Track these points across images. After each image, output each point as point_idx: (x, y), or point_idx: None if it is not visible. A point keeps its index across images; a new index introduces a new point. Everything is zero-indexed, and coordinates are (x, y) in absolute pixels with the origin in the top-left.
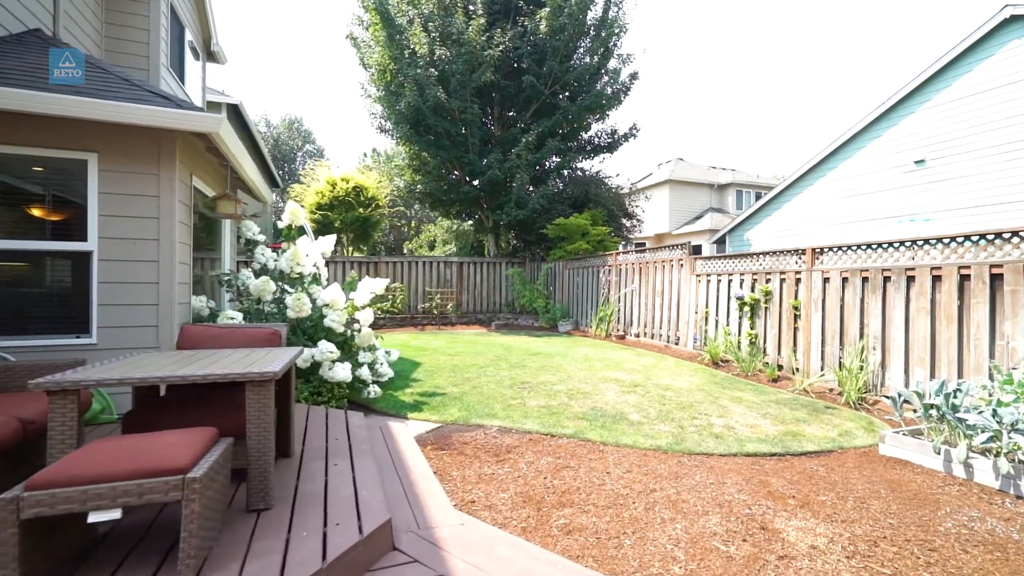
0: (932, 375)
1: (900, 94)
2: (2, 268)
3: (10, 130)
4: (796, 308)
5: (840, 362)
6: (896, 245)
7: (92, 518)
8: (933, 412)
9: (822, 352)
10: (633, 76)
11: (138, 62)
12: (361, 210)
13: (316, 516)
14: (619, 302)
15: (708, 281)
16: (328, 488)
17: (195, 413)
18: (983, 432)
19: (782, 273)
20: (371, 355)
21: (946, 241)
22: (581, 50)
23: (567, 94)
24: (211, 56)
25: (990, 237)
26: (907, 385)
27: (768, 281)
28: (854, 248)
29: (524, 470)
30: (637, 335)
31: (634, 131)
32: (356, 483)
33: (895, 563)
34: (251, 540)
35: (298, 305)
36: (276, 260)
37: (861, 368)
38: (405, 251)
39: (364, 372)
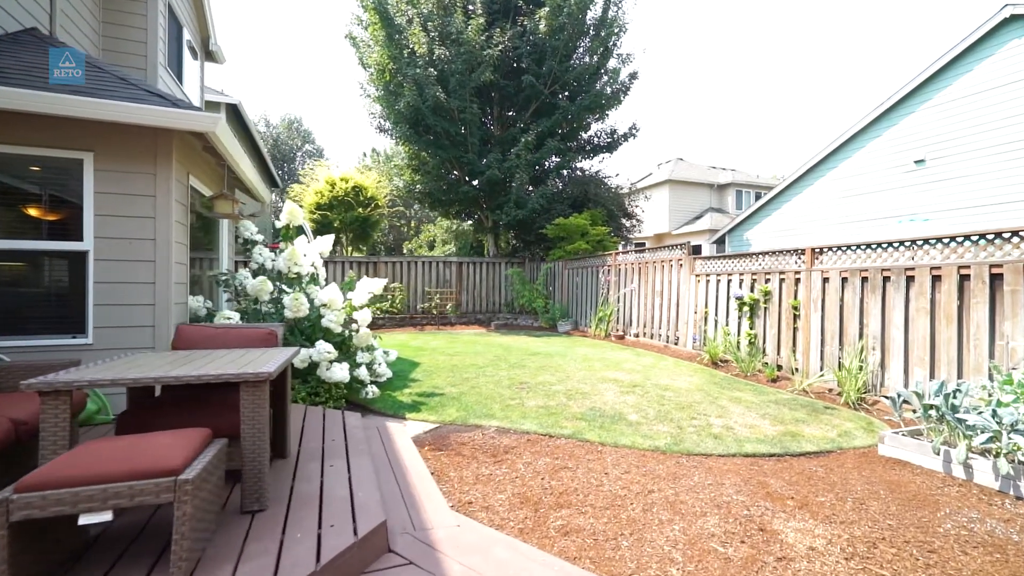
0: (932, 375)
1: (900, 94)
2: None
3: (5, 129)
4: (795, 308)
5: (839, 362)
6: (896, 245)
7: (83, 520)
8: (932, 412)
9: (821, 352)
10: (633, 76)
11: (136, 61)
12: (360, 210)
13: (311, 517)
14: (618, 302)
15: (707, 281)
16: (324, 489)
17: (190, 414)
18: (983, 433)
19: (781, 273)
20: (369, 355)
21: (946, 241)
22: (580, 50)
23: (566, 94)
24: (209, 56)
25: (990, 237)
26: (906, 385)
27: (767, 281)
28: (853, 248)
29: (522, 471)
30: (636, 335)
31: (634, 131)
32: (352, 484)
33: (894, 565)
34: (245, 542)
35: (295, 305)
36: (274, 260)
37: (860, 368)
38: (405, 251)
39: (362, 372)
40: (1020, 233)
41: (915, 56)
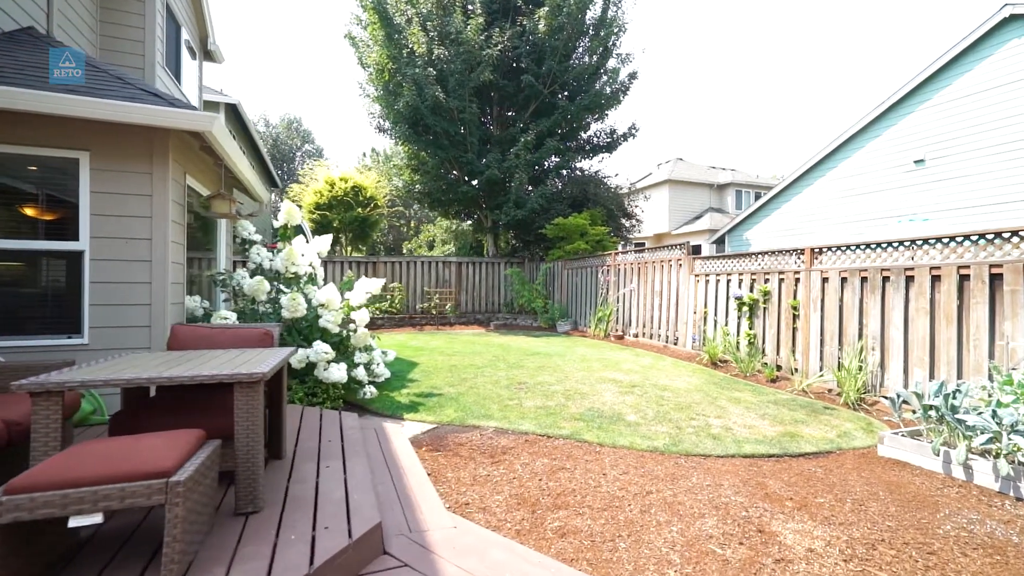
0: (931, 376)
1: (900, 93)
2: None
3: (1, 128)
4: (795, 308)
5: (839, 362)
6: (895, 245)
7: (72, 522)
8: (932, 413)
9: (821, 352)
10: (632, 76)
11: (133, 61)
12: (360, 210)
13: (305, 519)
14: (618, 302)
15: (707, 281)
16: (319, 490)
17: (184, 414)
18: (982, 433)
19: (781, 273)
20: (367, 355)
21: (945, 241)
22: (580, 50)
23: (566, 94)
24: (208, 55)
25: (989, 237)
26: (906, 386)
27: (767, 281)
28: (853, 248)
29: (519, 472)
30: (636, 335)
31: (633, 131)
32: (348, 485)
33: (893, 566)
34: (238, 544)
35: (293, 305)
36: (272, 260)
37: (860, 368)
38: (404, 251)
39: (360, 373)
40: (1020, 233)
41: (915, 56)
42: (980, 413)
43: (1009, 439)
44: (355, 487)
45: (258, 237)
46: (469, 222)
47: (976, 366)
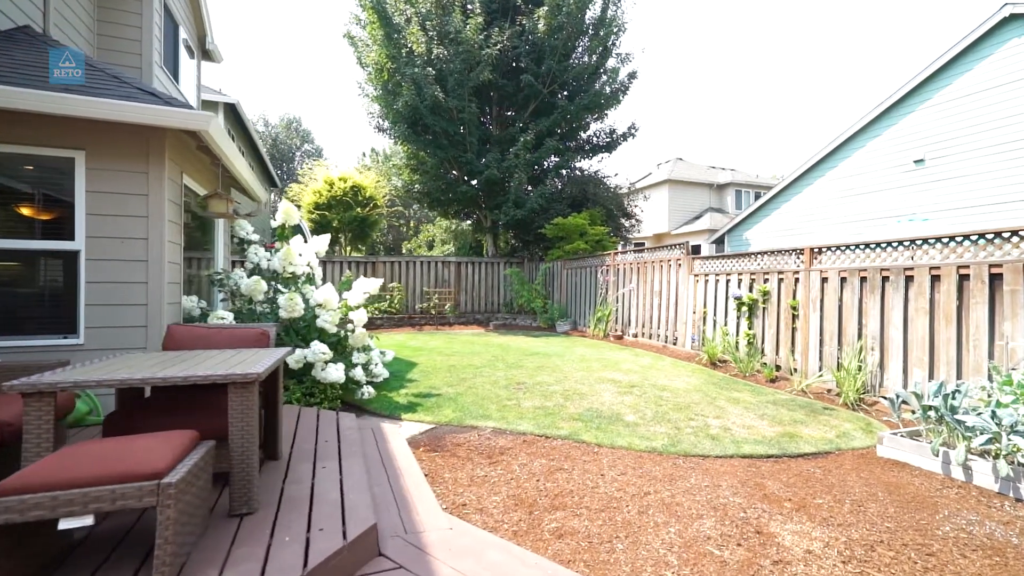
0: (931, 376)
1: (899, 93)
2: None
3: None
4: (794, 308)
5: (838, 362)
6: (895, 245)
7: (63, 525)
8: (931, 413)
9: (820, 352)
10: (632, 75)
11: (131, 60)
12: (359, 210)
13: (300, 521)
14: (617, 302)
15: (706, 281)
16: (314, 492)
17: (179, 415)
18: (982, 434)
19: (780, 273)
20: (365, 356)
21: (945, 241)
22: (580, 49)
23: (565, 93)
24: (206, 54)
25: (989, 236)
26: (906, 386)
27: (766, 281)
28: (852, 248)
29: (517, 472)
30: (635, 335)
31: (633, 131)
32: (343, 486)
33: (892, 568)
34: (232, 546)
35: (290, 305)
36: (269, 260)
37: (859, 368)
38: (404, 251)
39: (358, 373)
40: (1019, 233)
41: (915, 56)
42: (979, 413)
43: (1009, 440)
44: (351, 488)
45: (256, 237)
46: (468, 222)
47: (976, 366)
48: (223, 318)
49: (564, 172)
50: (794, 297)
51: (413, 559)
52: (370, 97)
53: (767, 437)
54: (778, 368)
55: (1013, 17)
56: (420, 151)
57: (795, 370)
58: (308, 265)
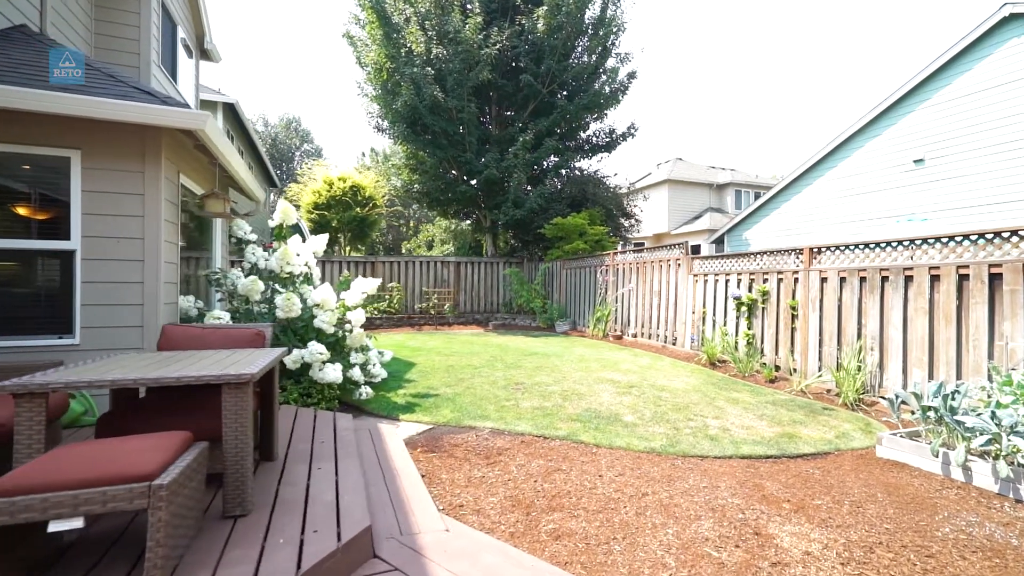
0: (930, 376)
1: (899, 93)
2: None
3: None
4: (794, 308)
5: (838, 363)
6: (894, 245)
7: (52, 527)
8: (931, 414)
9: (820, 352)
10: (631, 75)
11: (128, 59)
12: (358, 210)
13: (295, 522)
14: (616, 302)
15: (706, 281)
16: (310, 493)
17: (173, 416)
18: (982, 434)
19: (780, 273)
20: (363, 356)
21: (944, 240)
22: (579, 49)
23: (565, 93)
24: (205, 54)
25: (989, 236)
26: (905, 386)
27: (765, 281)
28: (852, 248)
29: (515, 473)
30: (634, 335)
31: (632, 130)
32: (339, 488)
33: (891, 570)
34: (225, 548)
35: (287, 305)
36: (267, 260)
37: (859, 369)
38: (403, 251)
39: (355, 373)
40: (1019, 233)
41: (915, 56)
42: (979, 414)
43: (1008, 440)
44: (347, 489)
45: (254, 236)
46: (468, 222)
47: (975, 366)
48: (220, 318)
49: (563, 172)
50: (793, 297)
51: (408, 561)
52: (369, 97)
53: (766, 438)
54: (777, 368)
55: (1013, 17)
56: (419, 151)
57: (794, 370)
58: (306, 265)
